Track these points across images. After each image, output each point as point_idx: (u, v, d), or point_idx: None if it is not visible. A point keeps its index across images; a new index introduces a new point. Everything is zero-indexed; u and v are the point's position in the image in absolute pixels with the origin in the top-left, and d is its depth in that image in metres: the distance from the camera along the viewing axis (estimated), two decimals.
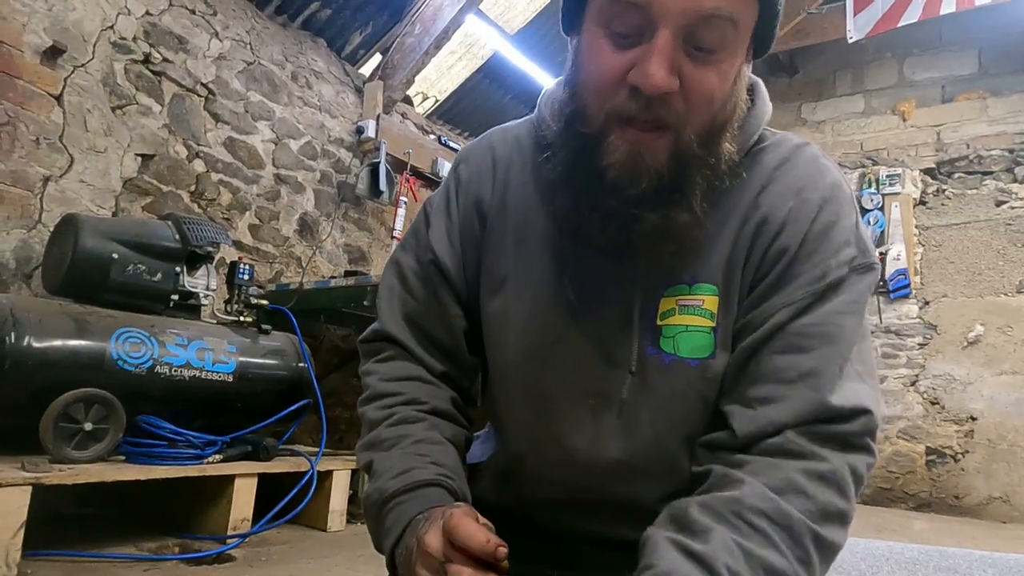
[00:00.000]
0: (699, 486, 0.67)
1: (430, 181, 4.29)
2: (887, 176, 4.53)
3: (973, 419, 4.04)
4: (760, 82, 0.76)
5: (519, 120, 0.87)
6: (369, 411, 0.78)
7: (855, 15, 4.03)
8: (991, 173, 4.26)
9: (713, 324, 0.70)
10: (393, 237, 3.86)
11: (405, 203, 3.89)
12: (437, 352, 0.81)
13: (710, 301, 0.70)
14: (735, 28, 0.61)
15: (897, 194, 4.47)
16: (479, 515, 0.61)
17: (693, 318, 0.70)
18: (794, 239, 0.68)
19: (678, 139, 0.63)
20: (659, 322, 0.71)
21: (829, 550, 0.59)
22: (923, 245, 4.36)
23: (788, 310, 0.66)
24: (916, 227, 4.40)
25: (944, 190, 4.38)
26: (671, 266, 0.70)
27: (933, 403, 4.16)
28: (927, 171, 4.46)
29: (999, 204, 4.19)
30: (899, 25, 3.88)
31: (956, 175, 4.37)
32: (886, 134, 4.65)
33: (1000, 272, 4.09)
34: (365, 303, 2.71)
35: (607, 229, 0.66)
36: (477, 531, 0.57)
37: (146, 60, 2.81)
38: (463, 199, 0.82)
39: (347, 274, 3.13)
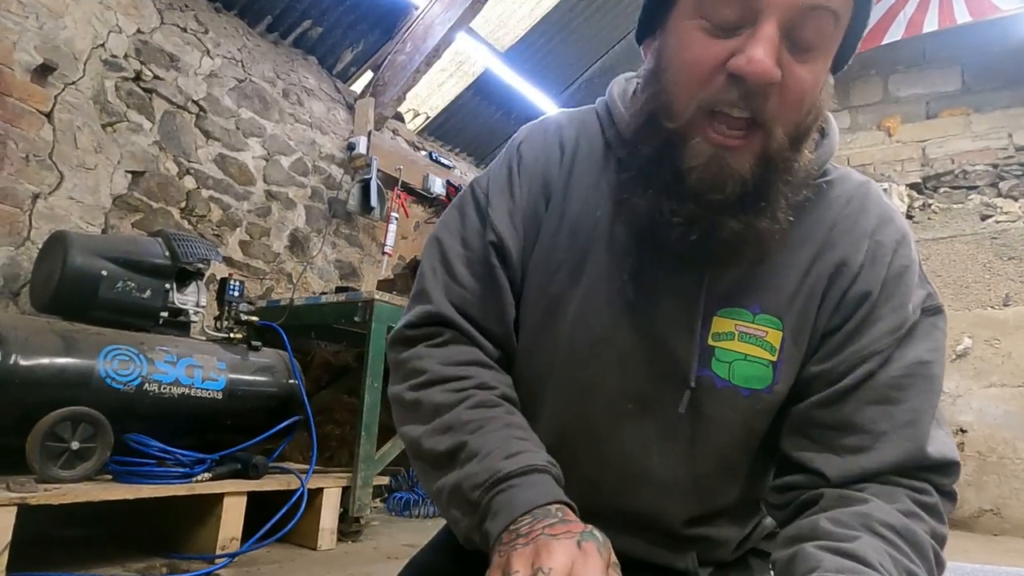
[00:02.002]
0: (785, 515, 0.67)
1: (421, 197, 4.31)
2: None
3: (963, 431, 4.06)
4: (832, 117, 0.73)
5: (578, 108, 0.84)
6: (433, 394, 0.70)
7: None
8: (976, 188, 4.32)
9: (774, 358, 0.69)
10: (384, 252, 3.86)
11: (396, 219, 3.89)
12: (488, 339, 0.76)
13: (773, 335, 0.69)
14: (835, 24, 0.60)
15: None
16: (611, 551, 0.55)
17: (754, 348, 0.69)
18: (874, 284, 0.68)
19: (767, 140, 0.60)
20: (711, 342, 0.69)
21: (942, 570, 0.61)
22: None
23: (876, 359, 0.66)
24: None
25: (930, 204, 4.44)
26: (738, 282, 0.69)
27: None
28: (913, 186, 4.52)
29: (984, 218, 4.24)
30: (883, 42, 3.95)
31: (942, 190, 4.43)
32: (872, 150, 4.71)
33: (987, 285, 4.13)
34: (356, 319, 2.70)
35: (687, 235, 0.63)
36: None
37: (137, 77, 2.81)
38: (527, 179, 0.77)
39: (338, 290, 3.13)
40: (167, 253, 2.34)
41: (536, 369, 0.76)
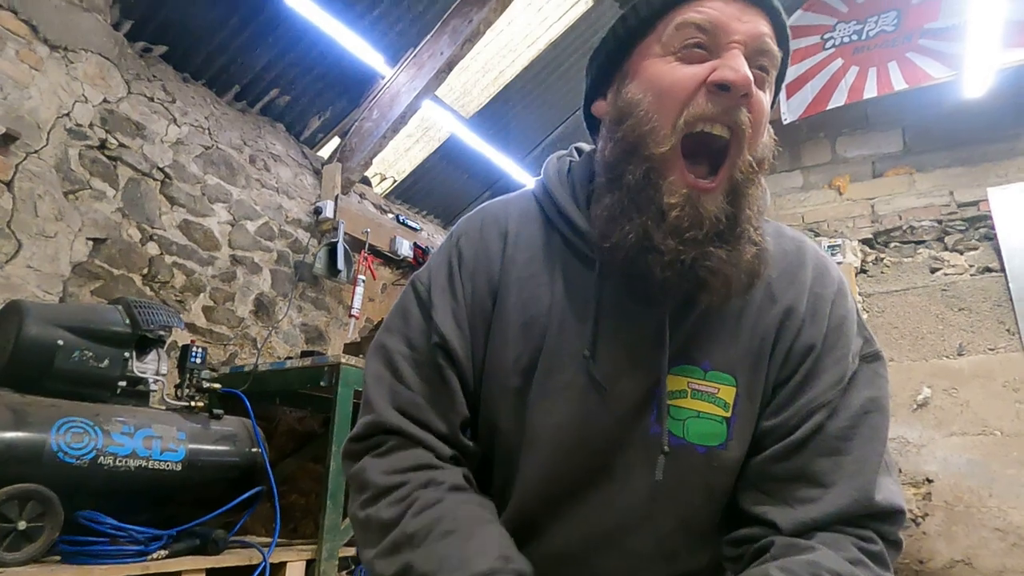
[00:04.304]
0: (739, 567, 0.68)
1: (388, 259, 4.32)
2: (828, 246, 4.74)
3: (929, 481, 4.10)
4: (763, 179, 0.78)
5: (515, 193, 0.86)
6: (380, 510, 0.68)
7: (788, 99, 4.33)
8: (923, 242, 4.50)
9: (728, 414, 0.70)
10: (351, 315, 3.84)
11: (363, 281, 3.89)
12: (438, 439, 0.74)
13: (726, 391, 0.71)
14: (772, 66, 0.70)
15: (839, 263, 4.67)
16: None
17: (706, 405, 0.70)
18: (817, 336, 0.71)
19: (733, 171, 0.66)
20: (667, 401, 0.70)
21: None
22: (867, 311, 4.53)
23: (823, 411, 0.69)
24: (860, 294, 4.58)
25: (882, 259, 4.60)
26: (688, 338, 0.70)
27: None
28: (865, 241, 4.69)
29: (933, 271, 4.41)
30: (828, 108, 4.18)
31: (892, 244, 4.61)
32: (824, 207, 4.91)
33: (940, 336, 4.26)
34: (322, 383, 2.66)
35: (671, 265, 0.65)
36: None
37: (102, 146, 2.82)
38: (469, 278, 0.77)
39: (304, 354, 3.08)
40: (127, 321, 2.30)
41: (505, 458, 0.76)
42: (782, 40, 0.72)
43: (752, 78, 0.65)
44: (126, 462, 2.06)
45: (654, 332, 0.71)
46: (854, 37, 4.31)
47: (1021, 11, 3.73)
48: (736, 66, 0.64)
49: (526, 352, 0.74)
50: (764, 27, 0.68)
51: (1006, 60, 3.83)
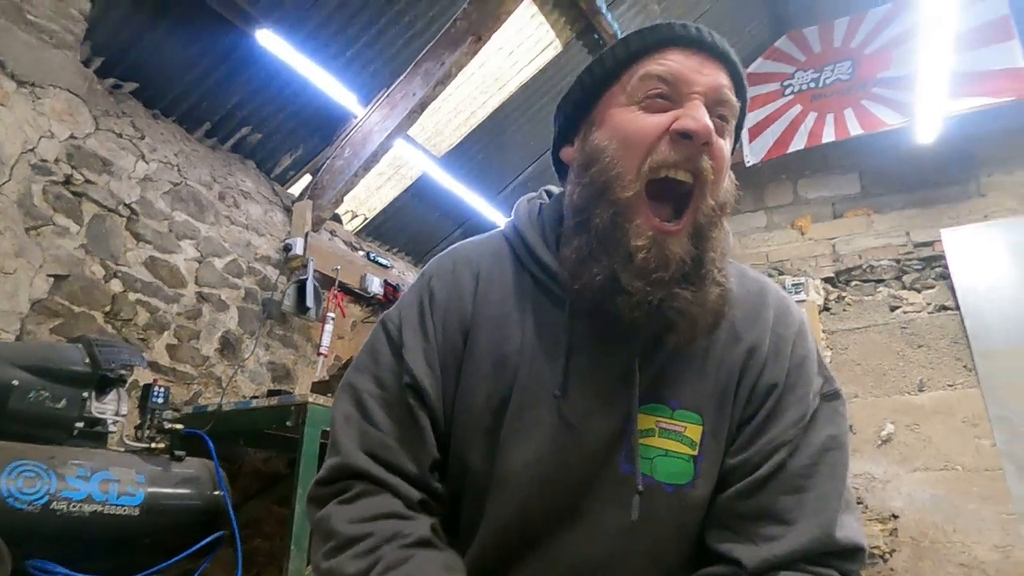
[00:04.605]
0: None
1: (358, 296, 4.30)
2: (792, 285, 4.85)
3: (895, 517, 4.15)
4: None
5: (487, 234, 0.87)
6: (343, 563, 0.65)
7: (751, 142, 4.48)
8: (883, 281, 4.64)
9: (694, 452, 0.71)
10: (320, 353, 3.79)
11: (333, 319, 3.86)
12: (407, 482, 0.73)
13: (692, 430, 0.72)
14: (731, 115, 0.73)
15: (803, 301, 4.78)
16: None
17: (674, 443, 0.71)
18: (779, 375, 0.73)
19: (697, 215, 0.69)
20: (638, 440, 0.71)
21: None
22: (831, 348, 4.63)
23: (785, 449, 0.70)
24: (823, 332, 4.68)
25: (844, 297, 4.72)
26: (656, 377, 0.72)
27: (857, 502, 4.25)
28: (827, 280, 4.82)
29: (893, 309, 4.54)
30: (788, 151, 4.33)
31: (853, 283, 4.74)
32: (787, 247, 5.04)
33: (902, 372, 4.36)
34: (288, 423, 2.61)
35: (639, 306, 0.67)
36: None
37: (67, 181, 2.78)
38: (441, 318, 0.78)
39: (270, 393, 3.02)
40: (87, 360, 2.24)
41: (475, 496, 0.76)
42: (740, 91, 0.75)
43: (712, 127, 0.69)
44: (81, 507, 1.98)
45: (623, 371, 0.72)
46: (812, 84, 4.50)
47: (967, 63, 3.93)
48: (697, 116, 0.68)
49: (497, 391, 0.75)
50: (723, 79, 0.72)
51: (954, 108, 4.02)
